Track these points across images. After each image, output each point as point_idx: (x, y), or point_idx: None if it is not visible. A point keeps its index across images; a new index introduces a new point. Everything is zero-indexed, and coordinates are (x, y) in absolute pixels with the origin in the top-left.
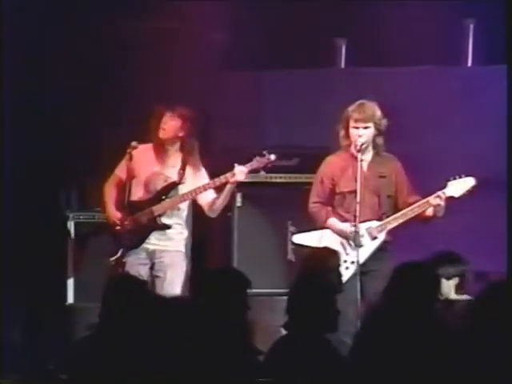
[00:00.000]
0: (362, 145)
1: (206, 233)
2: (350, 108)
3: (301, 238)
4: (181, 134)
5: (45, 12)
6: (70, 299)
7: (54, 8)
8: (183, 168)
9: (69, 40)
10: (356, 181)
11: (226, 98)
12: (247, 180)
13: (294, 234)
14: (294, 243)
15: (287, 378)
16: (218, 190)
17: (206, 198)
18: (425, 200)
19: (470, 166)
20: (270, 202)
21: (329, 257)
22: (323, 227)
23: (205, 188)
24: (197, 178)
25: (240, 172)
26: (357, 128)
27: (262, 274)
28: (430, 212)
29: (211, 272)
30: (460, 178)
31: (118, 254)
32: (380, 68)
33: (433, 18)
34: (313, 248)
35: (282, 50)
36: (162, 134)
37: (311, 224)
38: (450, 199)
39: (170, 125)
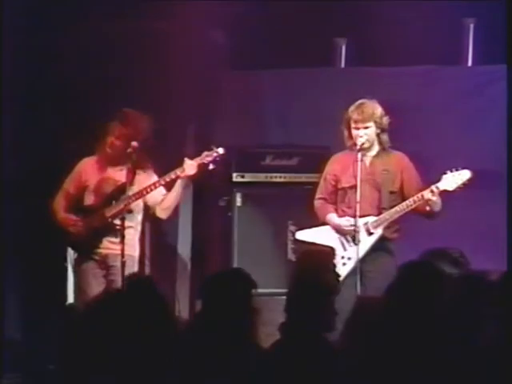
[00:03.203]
0: (363, 144)
1: (206, 233)
2: (350, 109)
3: (303, 235)
4: (132, 145)
5: (44, 11)
6: (70, 299)
7: (52, 7)
8: (131, 170)
9: (68, 40)
10: (356, 177)
11: (225, 97)
12: (247, 180)
13: (295, 231)
14: (296, 239)
15: (286, 379)
16: (169, 187)
17: (156, 198)
18: (419, 194)
19: (470, 166)
20: (270, 202)
21: (324, 257)
22: (324, 223)
23: (155, 185)
24: (146, 179)
25: (190, 166)
26: (357, 128)
27: (262, 273)
28: (426, 207)
29: (219, 273)
30: (456, 170)
31: (74, 258)
32: (380, 68)
33: (433, 17)
34: (307, 249)
35: (282, 49)
36: (112, 148)
37: (311, 223)
38: (444, 193)
39: (124, 141)
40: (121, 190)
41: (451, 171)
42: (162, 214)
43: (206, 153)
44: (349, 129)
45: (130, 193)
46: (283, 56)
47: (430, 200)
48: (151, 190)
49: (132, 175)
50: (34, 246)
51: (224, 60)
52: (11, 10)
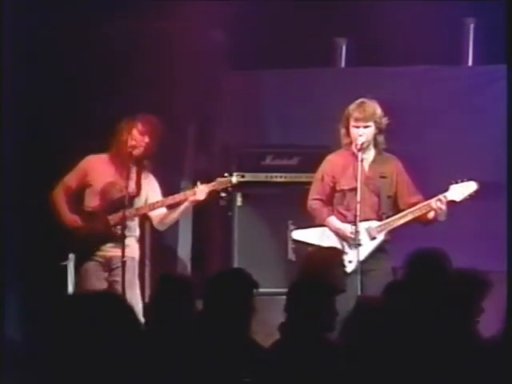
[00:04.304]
0: (363, 144)
1: (206, 233)
2: (351, 107)
3: (300, 235)
4: (148, 151)
5: (44, 11)
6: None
7: (52, 7)
8: (139, 181)
9: (68, 40)
10: (356, 179)
11: (225, 97)
12: (247, 180)
13: (293, 230)
14: (293, 239)
15: (286, 378)
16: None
17: (158, 211)
18: (426, 203)
19: (470, 166)
20: (270, 202)
21: (333, 257)
22: (322, 224)
23: (163, 203)
24: (151, 192)
25: (201, 191)
26: (357, 127)
27: (262, 273)
28: (431, 215)
29: (219, 273)
30: (462, 181)
31: (71, 259)
32: (380, 68)
33: (433, 18)
34: (318, 247)
35: (282, 49)
36: (131, 150)
37: (311, 223)
38: (450, 203)
39: (140, 140)
40: (128, 199)
41: (457, 182)
42: (161, 227)
43: (219, 180)
44: (347, 127)
45: (137, 203)
46: (283, 56)
47: (440, 209)
48: (159, 207)
49: (139, 185)
50: (34, 245)
51: (224, 60)
52: (11, 10)
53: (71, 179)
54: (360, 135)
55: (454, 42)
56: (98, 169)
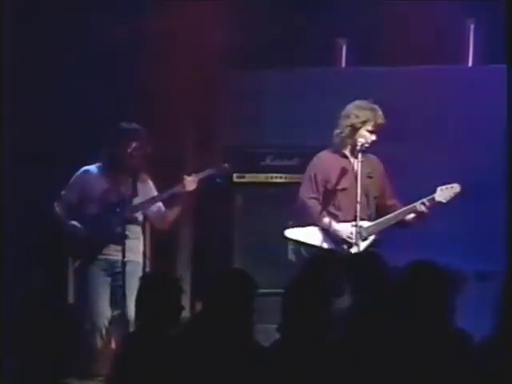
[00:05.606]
0: (363, 145)
1: (207, 233)
2: (370, 111)
3: (294, 234)
4: (143, 158)
5: (43, 11)
6: (70, 299)
7: (52, 7)
8: (134, 182)
9: (68, 40)
10: (348, 179)
11: (225, 97)
12: (247, 180)
13: (286, 228)
14: (285, 237)
15: (287, 378)
16: (168, 202)
17: (156, 211)
18: (412, 205)
19: (470, 166)
20: (270, 202)
21: (334, 261)
22: (314, 223)
23: (159, 198)
24: (147, 191)
25: (190, 182)
26: (374, 132)
27: (261, 273)
28: (410, 217)
29: (219, 272)
30: (449, 184)
31: (77, 264)
32: (380, 68)
33: (433, 17)
34: (317, 251)
35: (283, 49)
36: (127, 158)
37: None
38: (438, 204)
39: (137, 151)
40: (126, 200)
41: (443, 185)
42: (163, 226)
43: (209, 169)
44: (358, 129)
45: (135, 203)
46: (283, 56)
47: (423, 212)
48: (155, 202)
49: (135, 186)
50: (33, 243)
51: (224, 60)
52: (12, 10)
53: (70, 194)
54: (373, 140)
55: (454, 42)
56: (95, 179)
